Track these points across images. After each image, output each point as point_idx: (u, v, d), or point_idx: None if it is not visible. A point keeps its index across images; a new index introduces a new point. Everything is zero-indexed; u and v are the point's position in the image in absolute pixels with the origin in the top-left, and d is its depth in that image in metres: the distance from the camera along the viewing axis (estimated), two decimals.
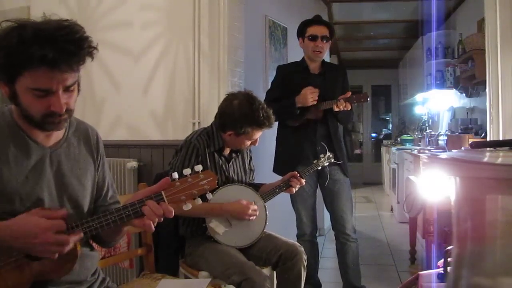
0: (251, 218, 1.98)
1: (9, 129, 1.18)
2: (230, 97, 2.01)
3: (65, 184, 1.25)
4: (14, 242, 1.07)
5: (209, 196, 1.23)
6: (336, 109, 2.46)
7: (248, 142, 2.03)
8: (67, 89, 1.13)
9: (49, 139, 1.24)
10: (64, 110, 1.13)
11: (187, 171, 1.21)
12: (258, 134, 2.01)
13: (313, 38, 2.59)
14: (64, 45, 1.06)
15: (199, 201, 1.22)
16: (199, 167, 1.22)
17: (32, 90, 1.09)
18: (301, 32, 2.67)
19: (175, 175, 1.20)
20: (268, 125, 1.98)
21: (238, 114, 1.94)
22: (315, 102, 2.51)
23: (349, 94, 2.48)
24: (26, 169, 1.17)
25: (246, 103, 1.95)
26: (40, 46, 1.04)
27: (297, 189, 2.17)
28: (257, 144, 2.07)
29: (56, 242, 1.08)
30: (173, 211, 1.18)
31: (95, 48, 1.14)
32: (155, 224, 1.19)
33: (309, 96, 2.49)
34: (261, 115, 1.94)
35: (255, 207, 1.99)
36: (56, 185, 1.23)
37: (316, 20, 2.69)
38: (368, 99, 2.53)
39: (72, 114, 1.20)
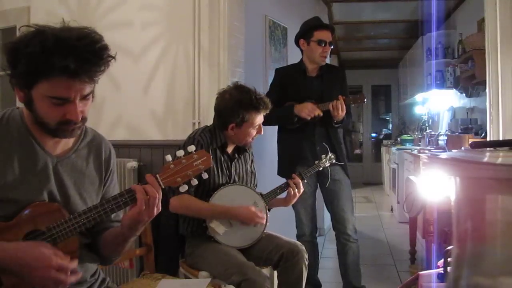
0: (256, 226, 1.98)
1: (18, 133, 1.18)
2: (221, 94, 2.05)
3: (67, 195, 1.23)
4: (13, 265, 1.04)
5: (205, 175, 1.22)
6: (330, 109, 2.46)
7: (253, 131, 2.03)
8: (83, 98, 1.14)
9: (57, 147, 1.23)
10: (80, 119, 1.14)
11: (180, 153, 1.19)
12: (258, 119, 2.02)
13: (322, 43, 2.58)
14: (85, 56, 1.06)
15: (195, 181, 1.21)
16: (192, 148, 1.21)
17: (49, 98, 1.09)
18: (305, 34, 2.64)
19: (169, 157, 1.19)
20: (264, 106, 2.00)
21: (232, 103, 1.97)
22: (308, 118, 2.50)
23: (342, 99, 2.47)
24: (30, 175, 1.17)
25: (236, 92, 2.00)
26: (62, 56, 1.04)
27: (296, 191, 2.14)
28: (262, 133, 2.08)
29: (54, 280, 1.05)
30: (155, 183, 1.16)
31: (113, 57, 1.14)
32: (159, 209, 1.18)
33: (306, 112, 2.49)
34: (253, 97, 1.97)
35: (264, 215, 1.99)
36: (58, 195, 1.21)
37: (323, 25, 2.68)
38: (365, 100, 2.55)
39: (85, 121, 1.20)
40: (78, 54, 1.05)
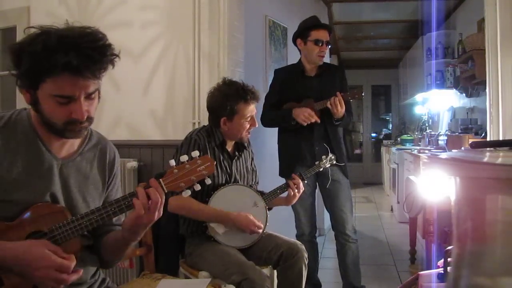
0: (252, 234, 1.98)
1: (24, 134, 1.18)
2: (211, 91, 2.08)
3: (70, 198, 1.24)
4: (14, 265, 1.04)
5: (208, 181, 1.22)
6: (329, 106, 2.46)
7: (246, 124, 2.03)
8: (88, 97, 1.14)
9: (63, 150, 1.23)
10: (85, 117, 1.14)
11: (184, 158, 1.19)
12: (248, 109, 2.02)
13: (319, 43, 2.58)
14: (87, 52, 1.07)
15: (198, 187, 1.21)
16: (196, 153, 1.21)
17: (54, 97, 1.10)
18: (302, 34, 2.64)
19: (172, 162, 1.19)
20: (252, 97, 2.01)
21: (221, 97, 2.00)
22: (304, 124, 2.50)
23: (340, 95, 2.48)
24: (34, 177, 1.17)
25: (224, 86, 2.03)
26: (64, 53, 1.05)
27: (296, 191, 2.13)
28: (256, 125, 2.08)
29: (55, 280, 1.06)
30: (159, 188, 1.15)
31: (117, 55, 1.15)
32: (160, 213, 1.17)
33: (302, 118, 2.49)
34: (239, 88, 1.99)
35: (261, 225, 1.99)
36: (62, 198, 1.21)
37: (320, 24, 2.67)
38: (363, 94, 2.55)
39: (92, 122, 1.20)
40: (80, 51, 1.06)
